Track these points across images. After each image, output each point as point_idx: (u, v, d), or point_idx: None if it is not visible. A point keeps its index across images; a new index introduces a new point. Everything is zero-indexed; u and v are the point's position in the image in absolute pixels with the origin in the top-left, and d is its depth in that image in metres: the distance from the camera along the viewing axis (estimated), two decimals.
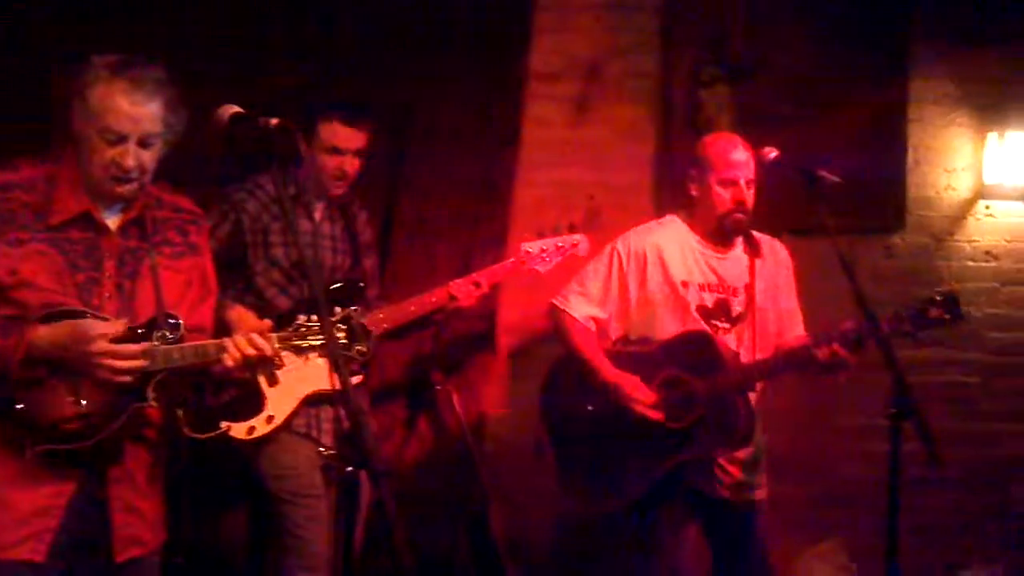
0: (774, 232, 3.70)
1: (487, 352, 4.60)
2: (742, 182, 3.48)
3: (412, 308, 3.80)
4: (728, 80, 4.67)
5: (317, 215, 3.77)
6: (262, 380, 3.50)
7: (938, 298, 3.21)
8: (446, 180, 4.58)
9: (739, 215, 3.49)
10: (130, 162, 2.53)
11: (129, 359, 2.47)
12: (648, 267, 3.55)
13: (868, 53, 4.58)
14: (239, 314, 3.56)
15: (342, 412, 2.44)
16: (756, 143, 3.46)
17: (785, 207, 3.74)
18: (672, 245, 3.57)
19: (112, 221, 2.61)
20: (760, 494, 3.55)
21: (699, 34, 4.68)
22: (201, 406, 3.42)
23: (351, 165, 3.70)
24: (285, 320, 3.51)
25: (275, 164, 2.78)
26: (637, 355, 3.55)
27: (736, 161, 3.49)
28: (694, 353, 3.44)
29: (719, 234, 3.55)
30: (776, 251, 3.67)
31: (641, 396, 3.45)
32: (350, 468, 2.38)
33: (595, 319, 3.59)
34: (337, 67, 4.49)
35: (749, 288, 3.53)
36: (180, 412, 3.39)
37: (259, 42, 4.52)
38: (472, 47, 4.57)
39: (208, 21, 4.43)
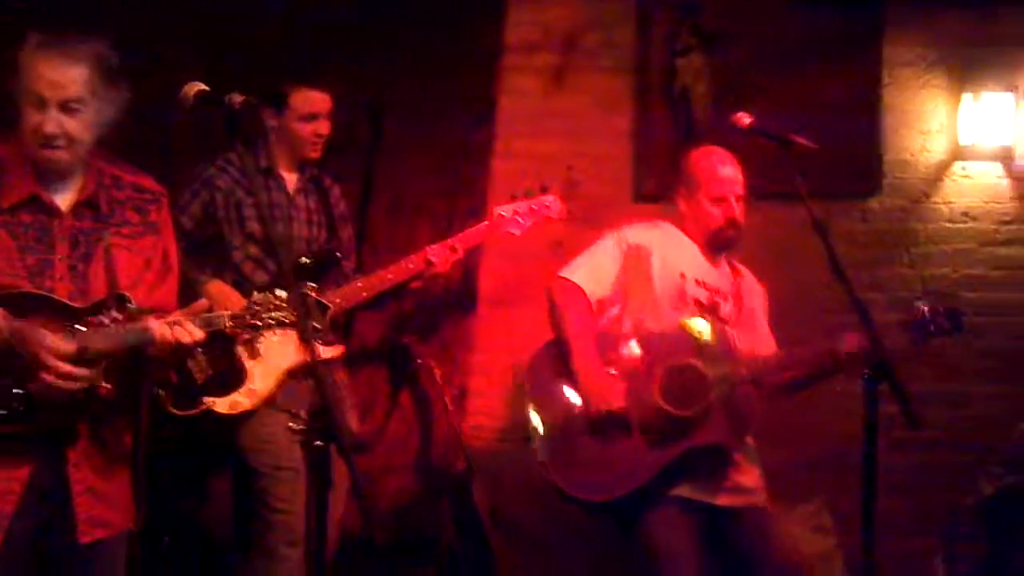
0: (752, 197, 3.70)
1: (466, 323, 4.62)
2: (732, 199, 3.46)
3: (390, 275, 3.82)
4: (703, 48, 4.67)
5: (290, 188, 3.79)
6: (243, 353, 3.53)
7: (940, 309, 3.27)
8: (423, 154, 4.58)
9: (730, 231, 3.48)
10: (50, 127, 2.49)
11: (72, 379, 2.44)
12: (652, 257, 3.49)
13: (841, 17, 4.57)
14: (219, 289, 3.59)
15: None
16: (731, 109, 3.41)
17: (760, 173, 3.75)
18: (671, 240, 3.53)
19: (63, 202, 2.59)
20: (765, 497, 3.44)
21: (674, 3, 4.67)
22: (183, 383, 3.42)
23: (325, 127, 3.80)
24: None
25: (242, 140, 2.77)
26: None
27: (725, 178, 3.47)
28: (706, 342, 3.36)
29: (708, 247, 3.53)
30: (754, 280, 3.65)
31: (611, 399, 3.27)
32: (319, 443, 2.37)
33: (600, 301, 3.47)
34: (309, 43, 4.47)
35: (736, 297, 3.52)
36: (161, 391, 3.41)
37: (224, 19, 4.49)
38: (445, 20, 4.56)
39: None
